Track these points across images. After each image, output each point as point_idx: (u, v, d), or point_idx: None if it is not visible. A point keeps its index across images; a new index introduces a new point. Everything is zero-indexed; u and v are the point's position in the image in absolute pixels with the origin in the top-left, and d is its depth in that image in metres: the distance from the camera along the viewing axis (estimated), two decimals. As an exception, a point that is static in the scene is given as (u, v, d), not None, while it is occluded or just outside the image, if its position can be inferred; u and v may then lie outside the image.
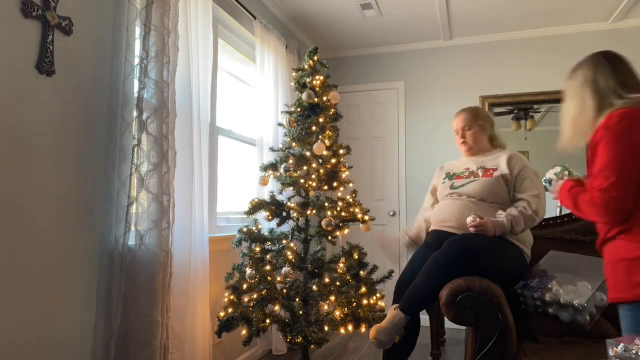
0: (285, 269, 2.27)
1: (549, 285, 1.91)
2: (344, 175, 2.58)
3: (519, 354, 1.72)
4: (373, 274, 2.55)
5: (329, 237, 2.46)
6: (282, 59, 3.43)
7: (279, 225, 2.52)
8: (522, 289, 1.97)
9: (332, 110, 2.61)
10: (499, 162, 2.14)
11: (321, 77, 2.61)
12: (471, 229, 1.95)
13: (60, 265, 1.73)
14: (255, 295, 2.32)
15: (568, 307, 1.81)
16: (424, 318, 3.25)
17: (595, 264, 1.94)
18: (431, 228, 2.25)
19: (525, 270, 2.07)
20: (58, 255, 1.72)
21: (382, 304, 2.45)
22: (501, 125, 4.09)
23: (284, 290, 2.37)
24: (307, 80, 2.59)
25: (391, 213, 4.32)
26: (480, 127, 2.26)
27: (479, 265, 1.88)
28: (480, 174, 2.15)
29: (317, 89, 2.58)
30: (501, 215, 1.99)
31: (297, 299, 2.36)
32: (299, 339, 2.23)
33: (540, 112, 4.01)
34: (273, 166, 2.54)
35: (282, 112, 2.79)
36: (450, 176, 2.29)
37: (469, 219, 1.96)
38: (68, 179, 1.77)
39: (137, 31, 2.03)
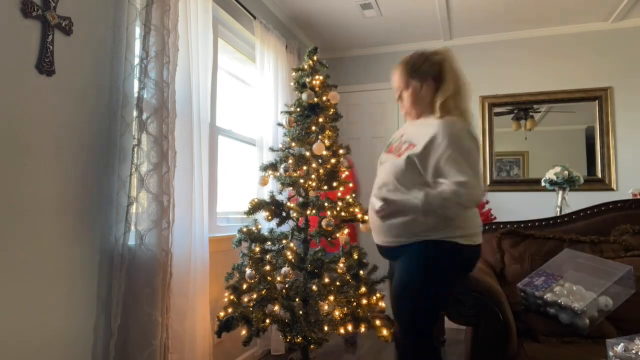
0: (285, 269, 2.27)
1: (553, 285, 1.91)
2: (343, 175, 2.58)
3: (519, 354, 1.72)
4: (373, 274, 2.55)
5: (328, 238, 2.46)
6: (282, 59, 3.43)
7: (278, 225, 2.52)
8: (525, 287, 1.96)
9: (332, 110, 2.61)
10: (425, 133, 1.66)
11: (321, 77, 2.61)
12: (381, 219, 1.69)
13: (60, 265, 1.73)
14: (255, 295, 2.32)
15: (567, 309, 1.81)
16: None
17: (608, 266, 1.92)
18: None
19: (475, 255, 1.73)
20: (58, 255, 1.72)
21: (382, 304, 2.45)
22: (501, 125, 4.09)
23: (284, 290, 2.37)
24: (307, 80, 2.59)
25: (391, 213, 4.32)
26: (418, 85, 1.74)
27: (424, 292, 1.64)
28: (399, 151, 1.73)
29: (317, 89, 2.59)
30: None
31: (297, 299, 2.36)
32: (299, 339, 2.23)
33: (540, 112, 4.01)
34: (273, 166, 2.54)
35: (282, 112, 2.79)
36: (386, 147, 1.89)
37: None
38: (68, 179, 1.77)
39: (137, 31, 2.03)
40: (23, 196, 1.60)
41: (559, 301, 1.83)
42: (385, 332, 2.34)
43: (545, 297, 1.88)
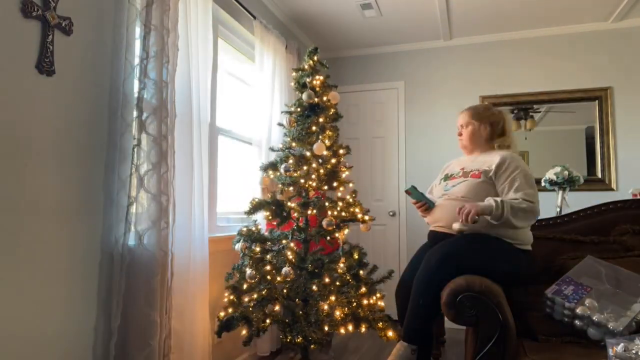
0: (285, 269, 2.27)
1: (584, 297, 1.84)
2: (344, 175, 2.59)
3: (519, 354, 1.72)
4: (373, 274, 2.55)
5: (327, 238, 2.47)
6: (282, 59, 3.43)
7: (278, 225, 2.52)
8: (554, 295, 1.90)
9: (332, 110, 2.62)
10: (492, 161, 2.09)
11: (321, 77, 2.61)
12: (459, 224, 1.91)
13: (60, 265, 1.73)
14: (255, 295, 2.33)
15: (601, 327, 1.73)
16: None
17: (635, 280, 1.86)
18: (429, 228, 2.24)
19: (533, 267, 2.01)
20: (58, 255, 1.72)
21: (382, 304, 2.45)
22: (501, 125, 4.09)
23: (284, 291, 2.37)
24: (307, 80, 2.59)
25: (391, 213, 4.32)
26: (477, 125, 2.23)
27: (466, 268, 1.83)
28: (471, 174, 2.12)
29: (317, 89, 2.59)
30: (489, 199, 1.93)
31: (297, 299, 2.37)
32: (299, 339, 2.23)
33: (540, 112, 4.01)
34: (273, 166, 2.54)
35: (282, 112, 2.79)
36: (446, 177, 2.27)
37: (455, 226, 1.93)
38: (68, 179, 1.77)
39: (137, 31, 2.03)
40: (23, 196, 1.60)
41: (594, 318, 1.75)
42: (390, 333, 2.34)
43: (576, 310, 1.81)
